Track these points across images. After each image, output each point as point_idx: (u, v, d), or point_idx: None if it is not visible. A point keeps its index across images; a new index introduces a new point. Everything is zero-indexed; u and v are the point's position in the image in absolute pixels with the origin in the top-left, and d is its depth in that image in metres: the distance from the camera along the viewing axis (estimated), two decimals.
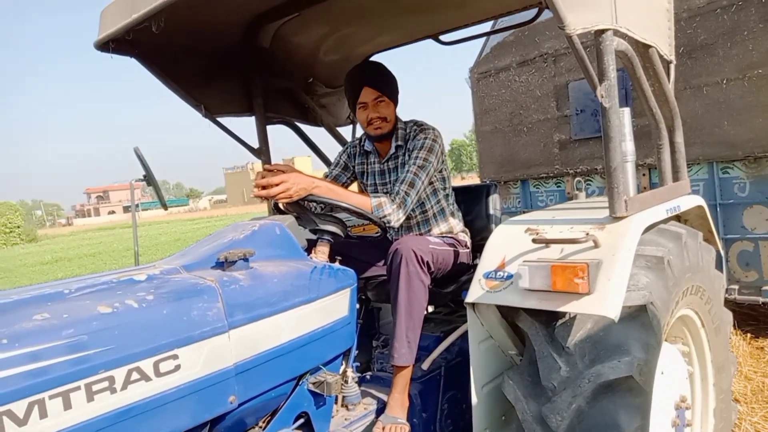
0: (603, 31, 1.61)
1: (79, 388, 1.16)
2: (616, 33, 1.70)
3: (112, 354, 1.21)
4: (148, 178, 2.20)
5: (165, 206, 2.49)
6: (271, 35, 2.74)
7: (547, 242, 1.65)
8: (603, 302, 1.47)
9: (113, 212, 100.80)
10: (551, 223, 1.77)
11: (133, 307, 1.31)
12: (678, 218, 2.16)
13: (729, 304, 2.58)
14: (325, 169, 2.88)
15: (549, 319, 1.65)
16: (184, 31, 2.27)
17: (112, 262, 15.25)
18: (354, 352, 2.02)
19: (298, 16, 2.56)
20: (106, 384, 1.20)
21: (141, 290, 1.39)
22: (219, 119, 2.73)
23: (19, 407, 1.07)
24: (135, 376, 1.25)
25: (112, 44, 2.10)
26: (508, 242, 1.77)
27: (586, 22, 1.53)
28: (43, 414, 1.10)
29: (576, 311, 1.54)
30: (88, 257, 18.00)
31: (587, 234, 1.60)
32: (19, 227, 40.25)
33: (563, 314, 1.63)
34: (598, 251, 1.57)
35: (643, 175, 3.96)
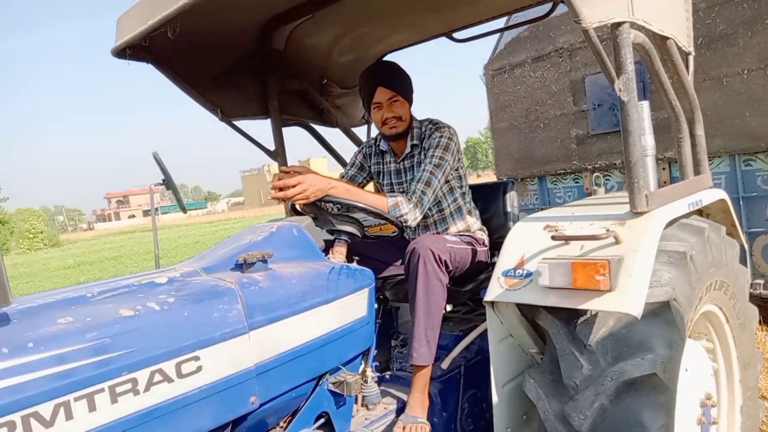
0: (619, 24, 1.59)
1: (103, 390, 1.18)
2: (633, 25, 1.67)
3: (135, 356, 1.23)
4: (167, 182, 2.23)
5: (184, 209, 2.51)
6: (285, 37, 2.76)
7: (567, 239, 1.63)
8: (625, 299, 1.45)
9: (133, 216, 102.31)
10: (570, 220, 1.75)
11: (154, 309, 1.33)
12: (700, 212, 2.12)
13: (754, 299, 2.53)
14: (341, 170, 2.88)
15: (570, 316, 1.63)
16: (199, 36, 2.29)
17: (133, 265, 15.48)
18: (373, 352, 2.02)
19: (311, 18, 2.57)
20: (129, 386, 1.22)
21: (162, 293, 1.41)
22: (235, 122, 2.76)
23: (45, 409, 1.09)
24: (158, 377, 1.26)
25: (129, 51, 2.12)
26: (527, 240, 1.76)
27: (602, 15, 1.51)
28: (69, 416, 1.12)
29: (598, 308, 1.52)
30: (110, 261, 18.31)
31: (608, 230, 1.58)
32: (42, 233, 41.14)
33: (584, 312, 1.61)
34: (619, 247, 1.54)
35: (663, 169, 3.90)
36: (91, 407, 1.15)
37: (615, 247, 1.55)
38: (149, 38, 2.00)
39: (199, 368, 1.33)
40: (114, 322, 1.26)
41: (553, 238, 1.65)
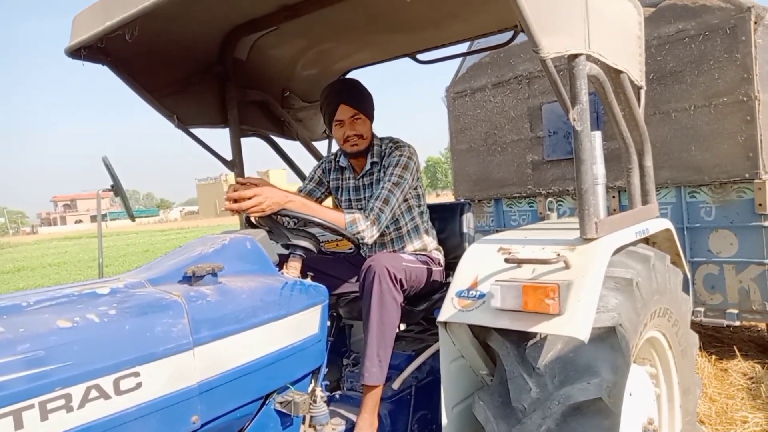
0: (576, 56, 1.65)
1: (32, 406, 1.11)
2: (589, 58, 1.73)
3: (70, 370, 1.17)
4: (116, 188, 2.15)
5: (132, 217, 2.42)
6: (248, 47, 2.73)
7: (519, 262, 1.65)
8: (573, 323, 1.48)
9: (80, 221, 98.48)
10: (523, 243, 1.77)
11: (94, 321, 1.27)
12: (647, 241, 2.20)
13: (695, 326, 2.62)
14: (299, 183, 2.85)
15: (520, 339, 1.65)
16: (158, 41, 2.24)
17: (77, 272, 14.81)
18: (324, 371, 1.99)
19: (276, 30, 2.55)
20: (62, 402, 1.15)
21: (103, 304, 1.34)
22: (192, 130, 2.70)
23: None
24: (94, 393, 1.20)
25: (84, 51, 2.05)
26: (481, 261, 1.77)
27: (559, 46, 1.55)
28: None
29: (546, 332, 1.54)
30: (52, 267, 17.46)
31: (558, 255, 1.61)
32: None
33: (534, 334, 1.63)
34: (569, 272, 1.58)
35: (613, 197, 4.03)
36: (17, 425, 1.08)
37: (565, 272, 1.59)
38: (105, 40, 1.94)
39: (139, 385, 1.27)
40: (49, 333, 1.19)
41: (506, 260, 1.67)
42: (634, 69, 2.16)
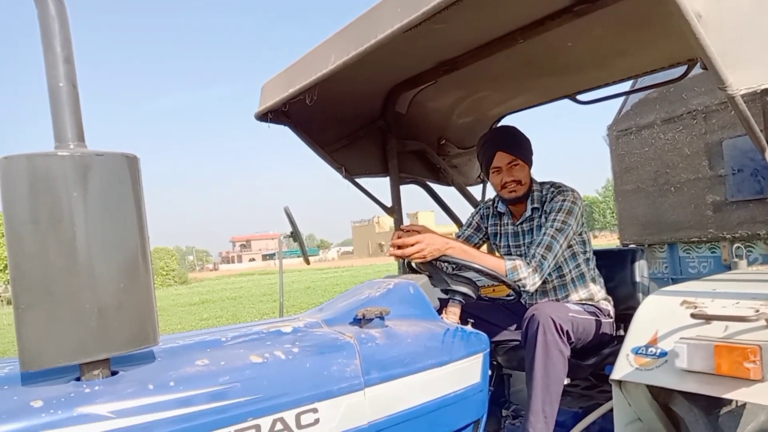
0: None
1: None
2: None
3: (260, 403, 1.29)
4: (295, 235, 2.38)
5: (307, 260, 2.65)
6: (408, 101, 2.89)
7: (709, 318, 1.48)
8: None
9: (253, 260, 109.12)
10: (712, 296, 1.59)
11: (280, 358, 1.40)
12: None
13: None
14: (448, 223, 2.89)
15: (710, 405, 1.47)
16: (331, 102, 2.47)
17: (250, 306, 16.39)
18: (484, 421, 1.94)
19: (434, 84, 2.67)
20: None
21: (287, 342, 1.48)
22: (357, 179, 2.90)
23: None
24: (279, 426, 1.31)
25: (271, 115, 2.34)
26: (661, 315, 1.62)
27: (750, 81, 1.41)
28: None
29: (746, 400, 1.36)
30: (230, 300, 19.59)
31: (757, 311, 1.42)
32: (173, 270, 45.16)
33: (728, 401, 1.45)
34: None
35: None
36: None
37: (766, 332, 1.39)
38: (289, 104, 2.20)
39: (317, 420, 1.36)
40: (244, 367, 1.33)
41: (693, 315, 1.51)
42: None
